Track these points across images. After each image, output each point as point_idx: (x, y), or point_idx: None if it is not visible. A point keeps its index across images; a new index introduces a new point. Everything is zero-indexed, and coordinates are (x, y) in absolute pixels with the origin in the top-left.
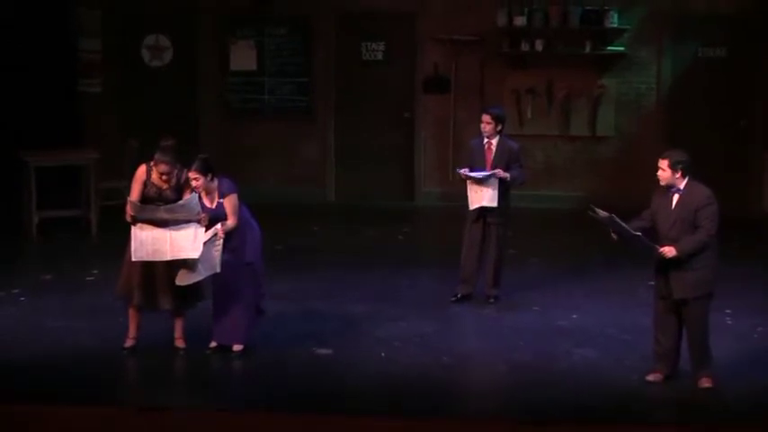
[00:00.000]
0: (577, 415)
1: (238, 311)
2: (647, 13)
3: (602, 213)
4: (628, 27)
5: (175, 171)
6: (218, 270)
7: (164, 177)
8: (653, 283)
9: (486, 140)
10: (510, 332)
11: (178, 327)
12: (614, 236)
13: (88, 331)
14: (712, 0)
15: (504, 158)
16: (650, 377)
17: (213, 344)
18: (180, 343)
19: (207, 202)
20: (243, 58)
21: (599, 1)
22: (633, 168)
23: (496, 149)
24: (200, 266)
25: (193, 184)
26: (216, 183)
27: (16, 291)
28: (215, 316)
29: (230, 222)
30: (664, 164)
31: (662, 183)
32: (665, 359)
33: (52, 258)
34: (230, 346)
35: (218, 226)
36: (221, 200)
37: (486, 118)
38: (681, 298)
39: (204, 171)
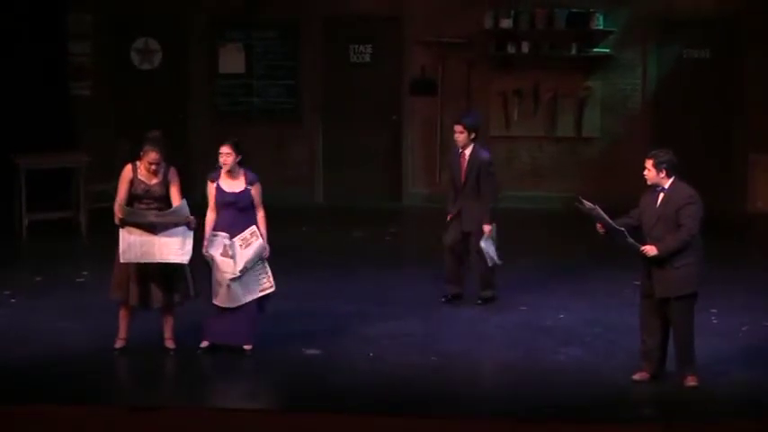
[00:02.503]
0: (564, 414)
1: (250, 311)
2: (632, 15)
3: (588, 205)
4: (613, 29)
5: (163, 164)
6: (269, 291)
7: (152, 168)
8: (639, 282)
9: (460, 150)
10: (497, 331)
11: (168, 327)
12: (601, 230)
13: (79, 332)
14: (696, 2)
15: (476, 168)
16: (636, 376)
17: (205, 343)
18: (170, 344)
19: (226, 187)
20: (231, 61)
21: (585, 3)
22: (619, 169)
23: (469, 159)
24: (239, 292)
25: (222, 159)
26: (242, 169)
27: (7, 292)
28: (220, 316)
29: (262, 213)
30: (649, 163)
31: (648, 182)
32: (651, 358)
33: (43, 260)
34: (238, 347)
35: (266, 246)
36: (249, 187)
37: (458, 128)
38: (663, 297)
39: (236, 149)
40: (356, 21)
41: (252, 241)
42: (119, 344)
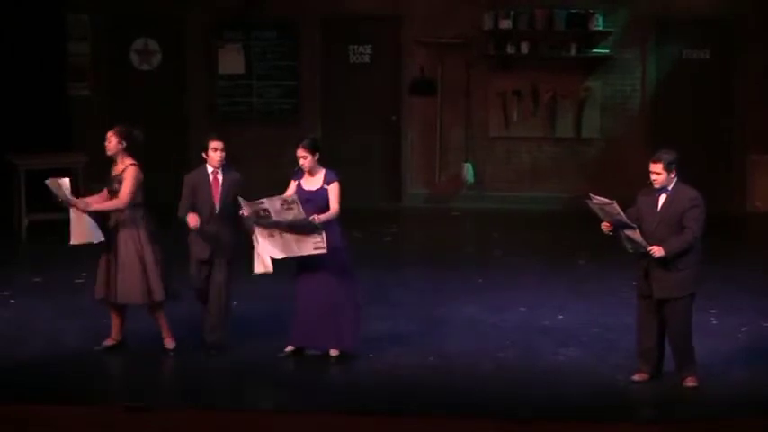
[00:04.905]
0: (563, 414)
1: (345, 315)
2: (631, 15)
3: (603, 200)
4: (612, 30)
5: (128, 160)
6: (321, 251)
7: (106, 146)
8: (636, 283)
9: (211, 172)
10: (496, 332)
11: (163, 327)
12: (606, 229)
13: (78, 332)
14: (696, 3)
15: (232, 191)
16: (635, 377)
17: (289, 348)
18: (168, 343)
19: (306, 185)
20: (231, 61)
21: (584, 4)
22: (618, 170)
23: (223, 182)
24: (293, 246)
25: (301, 162)
26: (323, 169)
27: (7, 293)
28: (306, 317)
29: (335, 208)
30: (658, 167)
31: (657, 185)
32: (648, 359)
33: (42, 261)
34: (325, 352)
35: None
36: (326, 186)
37: (219, 145)
38: (662, 298)
39: (312, 149)
40: (355, 21)
41: (292, 207)
42: (107, 342)
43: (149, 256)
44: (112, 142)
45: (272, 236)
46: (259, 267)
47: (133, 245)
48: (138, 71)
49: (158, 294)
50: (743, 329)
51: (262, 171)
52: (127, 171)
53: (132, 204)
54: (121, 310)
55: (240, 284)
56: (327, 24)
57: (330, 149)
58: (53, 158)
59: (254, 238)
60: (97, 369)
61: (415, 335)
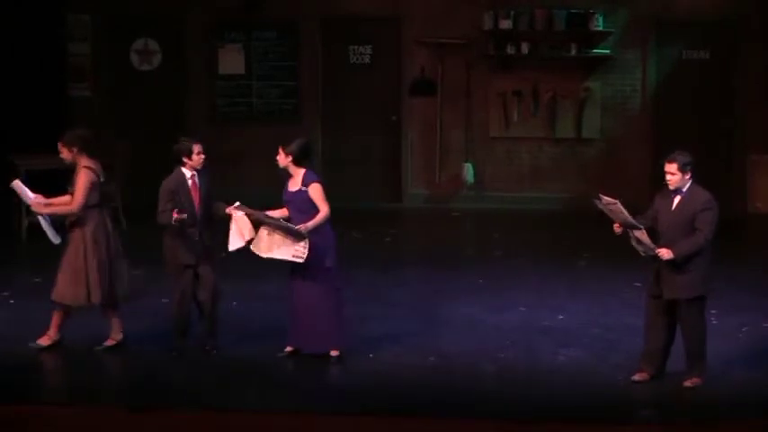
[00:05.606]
0: (563, 414)
1: (328, 317)
2: (631, 15)
3: (609, 200)
4: (612, 30)
5: (81, 166)
6: (297, 260)
7: (60, 156)
8: (638, 284)
9: (190, 176)
10: (496, 332)
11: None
12: (618, 229)
13: (78, 333)
14: (696, 3)
15: (210, 193)
16: (636, 377)
17: (288, 349)
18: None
19: (289, 186)
20: (231, 62)
21: (584, 4)
22: (618, 170)
23: (201, 185)
24: (275, 247)
25: (277, 157)
26: (302, 170)
27: (7, 293)
28: (297, 320)
29: (324, 210)
30: (673, 167)
31: (672, 186)
32: (653, 359)
33: (42, 261)
34: (324, 354)
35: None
36: (304, 188)
37: (200, 148)
38: (672, 298)
39: (287, 150)
40: (355, 21)
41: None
42: (108, 342)
43: (92, 259)
44: (64, 152)
45: (267, 232)
46: (235, 243)
47: (79, 244)
48: (138, 71)
49: (95, 297)
50: (743, 330)
51: (262, 171)
52: (79, 175)
53: (85, 206)
54: (114, 310)
55: (239, 284)
56: (327, 24)
57: (330, 149)
58: (53, 158)
59: (232, 219)
60: (97, 369)
61: (414, 335)
